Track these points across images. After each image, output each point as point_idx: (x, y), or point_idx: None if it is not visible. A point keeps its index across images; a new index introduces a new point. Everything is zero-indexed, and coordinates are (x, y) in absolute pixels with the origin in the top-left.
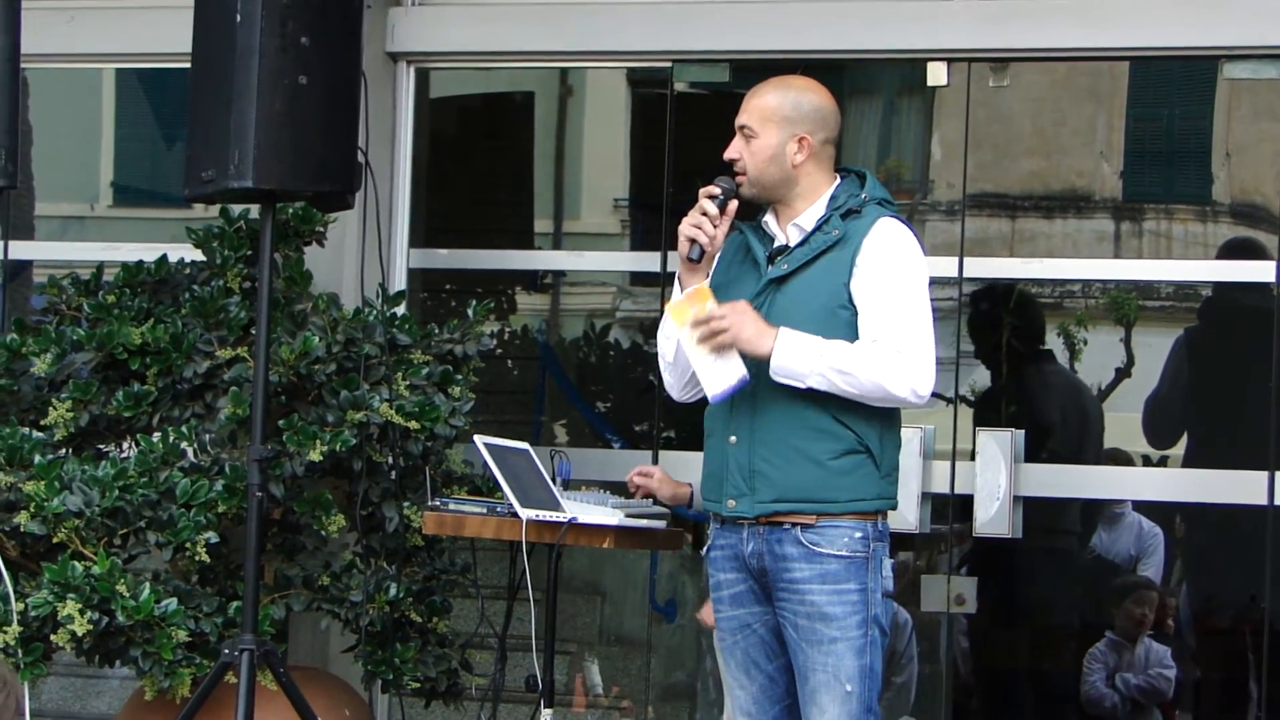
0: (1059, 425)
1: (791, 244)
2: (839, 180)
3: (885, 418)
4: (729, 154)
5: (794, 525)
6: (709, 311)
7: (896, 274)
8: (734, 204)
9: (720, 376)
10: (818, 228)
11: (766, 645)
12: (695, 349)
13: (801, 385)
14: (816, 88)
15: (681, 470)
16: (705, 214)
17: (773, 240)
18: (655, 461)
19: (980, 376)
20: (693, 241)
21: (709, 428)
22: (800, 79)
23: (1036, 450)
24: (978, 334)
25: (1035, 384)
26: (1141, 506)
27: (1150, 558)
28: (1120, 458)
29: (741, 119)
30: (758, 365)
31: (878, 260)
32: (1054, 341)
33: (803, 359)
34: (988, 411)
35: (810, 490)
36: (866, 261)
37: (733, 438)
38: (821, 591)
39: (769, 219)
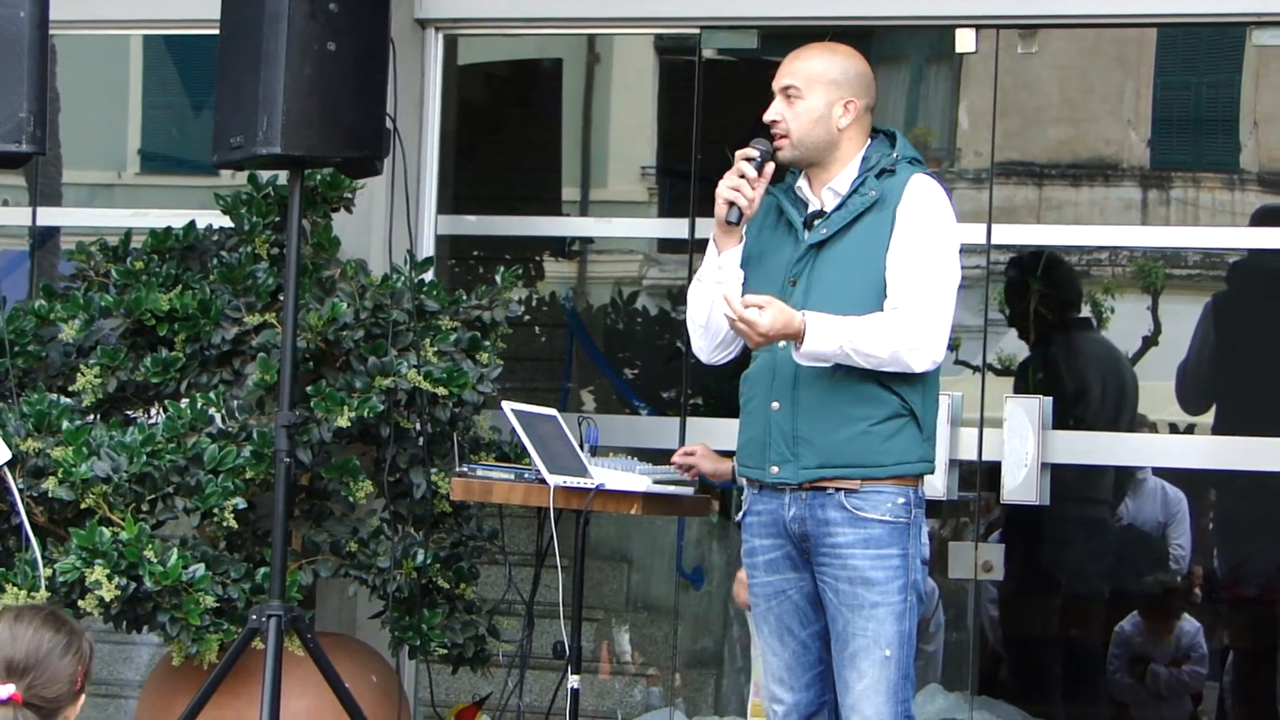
0: (1098, 393)
1: (827, 208)
2: (869, 142)
3: (927, 380)
4: (769, 115)
5: (838, 490)
6: (739, 313)
7: (926, 237)
8: (770, 166)
9: None
10: (854, 190)
11: (801, 612)
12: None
13: (825, 365)
14: (858, 54)
15: (710, 437)
16: (743, 176)
17: (806, 205)
18: (683, 428)
19: (1016, 344)
20: (731, 204)
21: (747, 394)
22: (841, 45)
23: (1070, 417)
24: (1013, 301)
25: (1072, 351)
26: (1171, 473)
27: (1179, 525)
28: (1142, 425)
29: (785, 80)
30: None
31: (910, 221)
32: (1081, 309)
33: (828, 342)
34: (1025, 379)
35: (855, 455)
36: (901, 220)
37: (775, 404)
38: (864, 556)
39: (802, 183)
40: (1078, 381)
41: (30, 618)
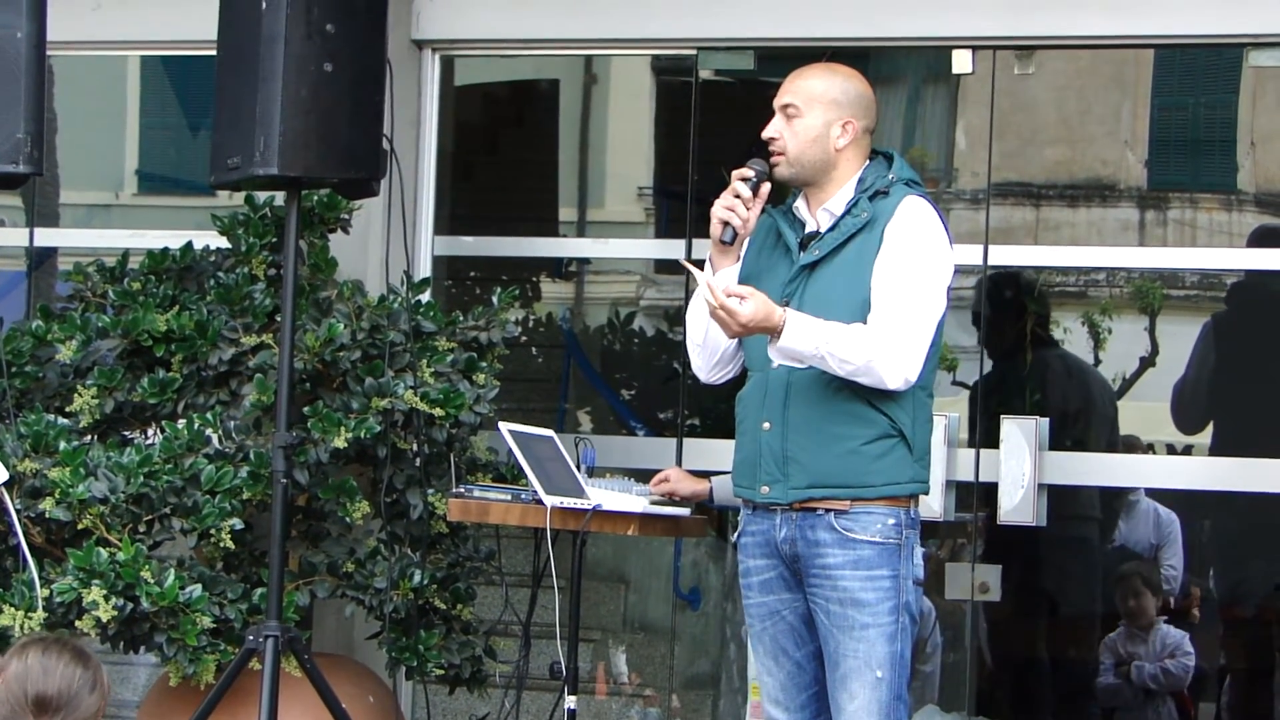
0: (1062, 411)
1: (822, 229)
2: (867, 163)
3: (917, 400)
4: (768, 132)
5: (827, 511)
6: (720, 301)
7: (909, 255)
8: (766, 186)
9: None
10: (847, 211)
11: (795, 632)
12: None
13: (800, 366)
14: (860, 76)
15: (707, 458)
16: (738, 196)
17: (803, 226)
18: (679, 449)
19: (985, 363)
20: (725, 224)
21: (741, 415)
22: (844, 66)
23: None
24: (985, 321)
25: (1040, 370)
26: (1168, 494)
27: (1171, 546)
28: (1136, 446)
29: (785, 98)
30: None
31: (897, 241)
32: (1078, 330)
33: (805, 341)
34: (997, 398)
35: (844, 475)
36: (888, 239)
37: (766, 424)
38: (854, 577)
39: (799, 204)
40: (1052, 399)
41: (59, 652)
